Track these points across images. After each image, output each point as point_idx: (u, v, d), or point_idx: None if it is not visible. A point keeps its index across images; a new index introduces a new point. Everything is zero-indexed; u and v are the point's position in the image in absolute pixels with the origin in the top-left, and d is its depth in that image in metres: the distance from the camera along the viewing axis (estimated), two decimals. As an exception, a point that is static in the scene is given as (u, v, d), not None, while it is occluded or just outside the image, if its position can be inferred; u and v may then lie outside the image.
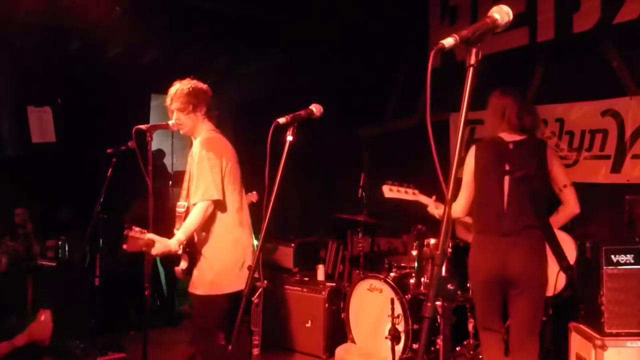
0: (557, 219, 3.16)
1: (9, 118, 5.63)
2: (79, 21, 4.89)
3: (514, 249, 2.91)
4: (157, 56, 5.87)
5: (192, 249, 3.20)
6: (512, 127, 3.04)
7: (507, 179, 2.98)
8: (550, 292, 3.07)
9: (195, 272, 3.20)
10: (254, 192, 3.73)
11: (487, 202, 3.03)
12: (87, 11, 4.73)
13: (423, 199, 3.40)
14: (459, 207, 3.14)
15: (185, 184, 3.26)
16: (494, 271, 2.95)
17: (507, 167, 2.98)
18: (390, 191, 3.47)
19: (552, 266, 3.04)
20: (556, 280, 3.05)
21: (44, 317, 3.41)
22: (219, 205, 3.14)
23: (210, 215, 3.10)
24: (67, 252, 5.09)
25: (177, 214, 3.23)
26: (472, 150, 3.14)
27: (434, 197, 3.35)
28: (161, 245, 2.99)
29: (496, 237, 2.96)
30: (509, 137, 3.05)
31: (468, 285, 3.79)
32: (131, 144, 3.35)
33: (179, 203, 3.26)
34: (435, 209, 3.34)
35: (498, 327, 3.12)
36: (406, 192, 3.43)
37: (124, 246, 2.94)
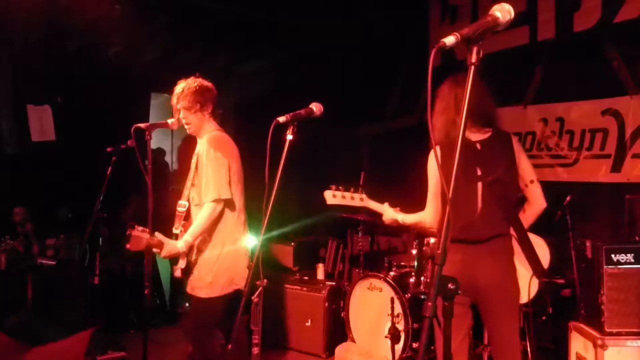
0: (526, 219, 2.87)
1: (8, 116, 5.62)
2: (79, 20, 4.89)
3: (483, 258, 2.62)
4: (157, 56, 5.86)
5: (191, 248, 3.20)
6: (476, 122, 2.65)
7: (479, 184, 2.64)
8: (524, 299, 2.82)
9: (195, 272, 3.19)
10: None
11: (457, 209, 2.58)
12: (87, 10, 4.73)
13: (373, 205, 3.03)
14: (430, 217, 2.82)
15: (187, 183, 3.25)
16: (463, 282, 2.53)
17: (478, 172, 2.64)
18: (333, 197, 3.02)
19: (525, 272, 2.81)
20: (529, 286, 2.83)
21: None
22: (227, 205, 3.13)
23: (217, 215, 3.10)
24: (66, 251, 5.08)
25: (177, 213, 3.23)
26: (431, 155, 2.75)
27: (386, 204, 3.02)
28: (170, 247, 3.00)
29: (465, 246, 2.61)
30: (473, 135, 2.68)
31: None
32: (130, 142, 3.34)
33: (179, 202, 3.25)
34: (393, 214, 2.97)
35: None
36: (352, 198, 3.02)
37: (127, 245, 2.95)
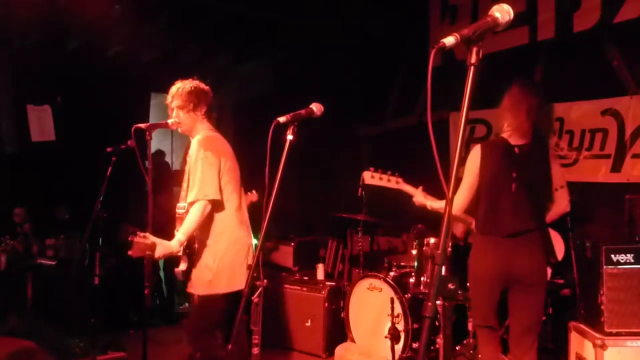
0: (549, 217, 3.16)
1: (8, 116, 5.62)
2: (78, 20, 4.89)
3: (517, 251, 2.92)
4: (157, 56, 5.86)
5: (191, 249, 3.20)
6: (526, 130, 2.98)
7: (513, 185, 2.96)
8: None
9: (194, 272, 3.20)
10: (254, 192, 3.72)
11: (492, 206, 3.00)
12: (87, 10, 4.73)
13: (408, 188, 3.27)
14: (457, 205, 3.06)
15: (184, 185, 3.26)
16: (497, 271, 2.96)
17: (514, 174, 2.96)
18: (371, 178, 3.32)
19: None
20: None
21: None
22: (217, 205, 3.13)
23: (209, 215, 3.10)
24: (66, 251, 5.08)
25: (177, 215, 3.23)
26: (477, 151, 3.06)
27: (420, 187, 3.25)
28: (163, 247, 3.00)
29: (500, 239, 2.96)
30: (513, 140, 3.00)
31: (468, 284, 3.79)
32: (130, 142, 3.35)
33: (178, 204, 3.25)
34: (423, 199, 3.21)
35: (497, 325, 3.12)
36: (389, 180, 3.29)
37: (129, 252, 2.95)
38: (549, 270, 3.11)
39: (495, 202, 3.00)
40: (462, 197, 3.08)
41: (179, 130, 3.32)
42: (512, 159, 2.98)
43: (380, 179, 3.32)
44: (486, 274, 3.02)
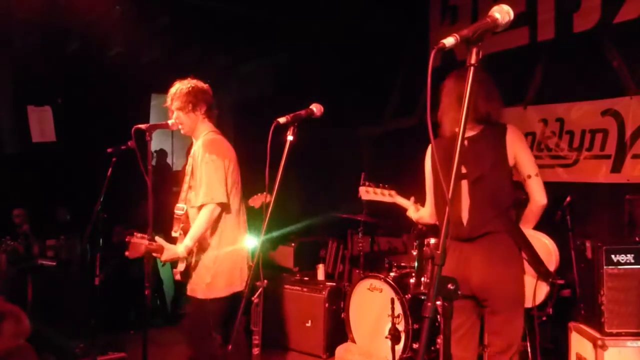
0: (526, 217, 2.79)
1: (9, 117, 5.63)
2: (79, 21, 4.90)
3: (474, 255, 2.58)
4: (157, 56, 5.87)
5: (190, 252, 3.19)
6: (472, 119, 2.60)
7: (464, 182, 2.62)
8: (528, 304, 2.71)
9: (194, 274, 3.19)
10: (265, 194, 3.71)
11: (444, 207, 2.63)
12: (87, 11, 4.74)
13: (400, 200, 3.19)
14: (427, 213, 2.95)
15: (184, 186, 3.25)
16: (458, 279, 2.55)
17: (463, 170, 2.60)
18: (367, 193, 3.32)
19: (530, 278, 2.70)
20: (535, 289, 2.69)
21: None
22: (224, 208, 3.13)
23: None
24: (67, 252, 5.09)
25: (175, 216, 3.22)
26: (428, 151, 2.84)
27: (412, 199, 3.13)
28: (169, 252, 3.02)
29: (459, 243, 2.62)
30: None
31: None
32: (131, 143, 3.35)
33: (177, 205, 3.25)
34: (415, 212, 3.07)
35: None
36: (382, 194, 3.26)
37: (126, 253, 2.96)
38: (545, 286, 2.72)
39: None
40: (428, 205, 2.91)
41: (181, 131, 3.30)
42: (461, 153, 2.64)
43: (375, 193, 3.29)
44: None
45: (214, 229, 3.15)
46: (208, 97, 3.27)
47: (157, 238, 3.00)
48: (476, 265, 2.57)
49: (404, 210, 3.18)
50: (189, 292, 3.23)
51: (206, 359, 3.22)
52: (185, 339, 3.58)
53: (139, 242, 2.95)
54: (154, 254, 2.99)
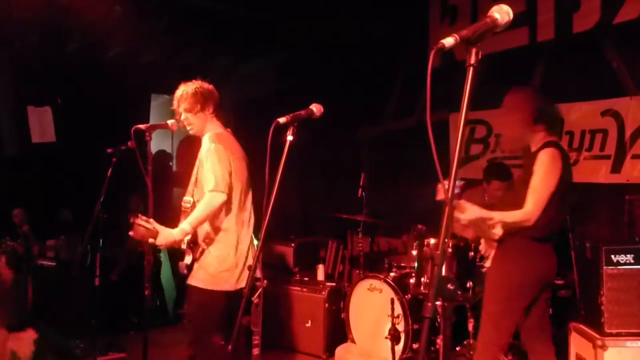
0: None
1: (9, 118, 5.63)
2: (78, 21, 4.89)
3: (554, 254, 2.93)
4: (157, 56, 5.86)
5: (196, 244, 3.20)
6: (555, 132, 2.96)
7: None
8: None
9: (196, 266, 3.20)
10: None
11: (552, 212, 2.78)
12: (87, 11, 4.73)
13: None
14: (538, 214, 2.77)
15: (192, 179, 3.26)
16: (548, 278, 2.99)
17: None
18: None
19: None
20: None
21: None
22: (228, 202, 3.12)
23: (216, 212, 3.10)
24: (67, 252, 5.09)
25: (182, 209, 3.23)
26: (559, 155, 2.82)
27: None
28: (164, 236, 2.98)
29: (550, 245, 2.92)
30: (534, 146, 2.94)
31: (467, 285, 3.80)
32: (131, 143, 3.35)
33: (184, 198, 3.26)
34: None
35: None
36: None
37: (131, 233, 2.92)
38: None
39: (554, 207, 2.79)
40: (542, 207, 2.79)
41: (190, 132, 3.31)
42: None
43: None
44: (536, 280, 2.88)
45: (220, 224, 3.15)
46: (215, 97, 3.29)
47: (151, 221, 2.97)
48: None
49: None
50: (190, 281, 3.20)
51: (207, 358, 3.22)
52: (187, 339, 3.57)
53: (144, 225, 2.93)
54: (150, 239, 2.96)
